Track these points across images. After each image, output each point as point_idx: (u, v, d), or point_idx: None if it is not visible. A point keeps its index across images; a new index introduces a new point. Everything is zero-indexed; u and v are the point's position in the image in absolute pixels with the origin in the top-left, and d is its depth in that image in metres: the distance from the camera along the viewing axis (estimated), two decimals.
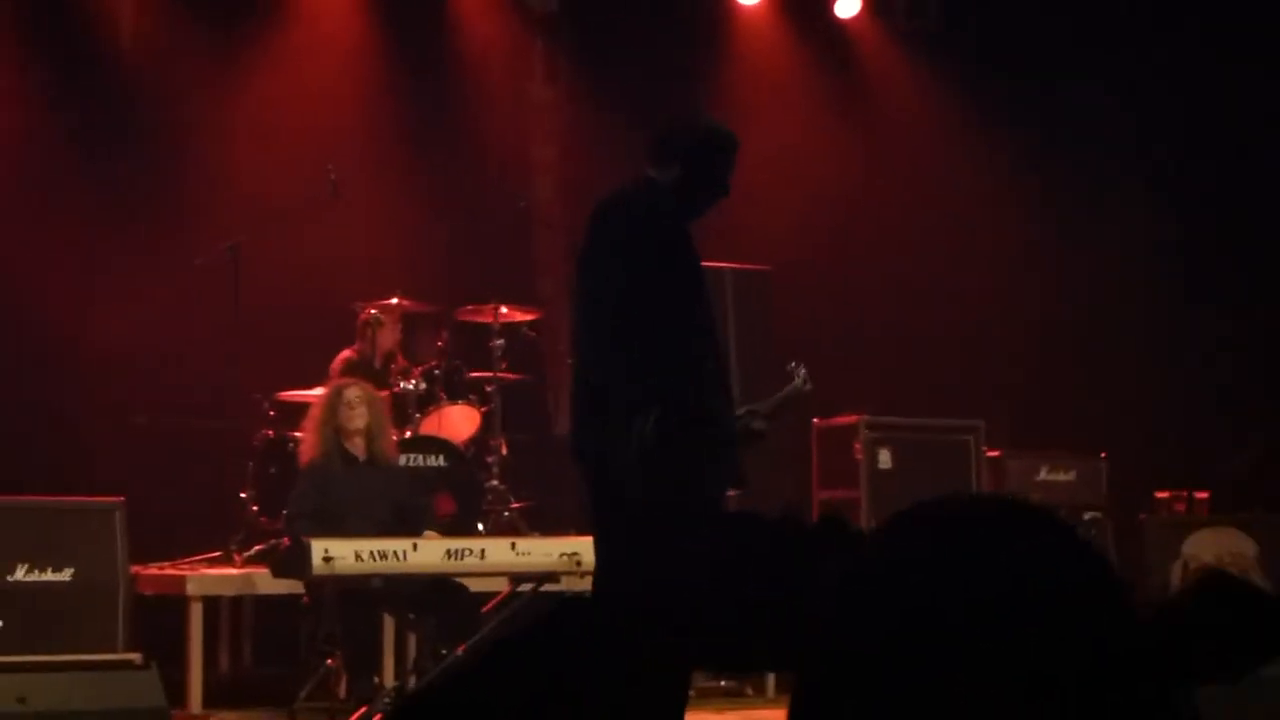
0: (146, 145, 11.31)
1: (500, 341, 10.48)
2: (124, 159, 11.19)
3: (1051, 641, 1.80)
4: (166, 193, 11.25)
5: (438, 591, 8.37)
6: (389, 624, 8.97)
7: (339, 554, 7.84)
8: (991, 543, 1.89)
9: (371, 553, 7.92)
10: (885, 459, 10.77)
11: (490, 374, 10.47)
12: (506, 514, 10.19)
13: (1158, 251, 12.54)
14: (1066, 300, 12.69)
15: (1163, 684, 1.86)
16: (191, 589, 8.91)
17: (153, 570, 9.30)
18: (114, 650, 8.44)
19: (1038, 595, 1.83)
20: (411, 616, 8.67)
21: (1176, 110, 12.57)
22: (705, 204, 6.12)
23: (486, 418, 10.42)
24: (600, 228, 5.93)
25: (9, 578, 8.47)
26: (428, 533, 8.52)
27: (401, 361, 10.54)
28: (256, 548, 9.47)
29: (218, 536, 9.72)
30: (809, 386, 6.56)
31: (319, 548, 7.81)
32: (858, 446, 10.72)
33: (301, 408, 9.46)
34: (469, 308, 10.65)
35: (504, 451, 10.36)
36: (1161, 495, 11.33)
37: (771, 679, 9.73)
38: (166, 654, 8.50)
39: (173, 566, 9.40)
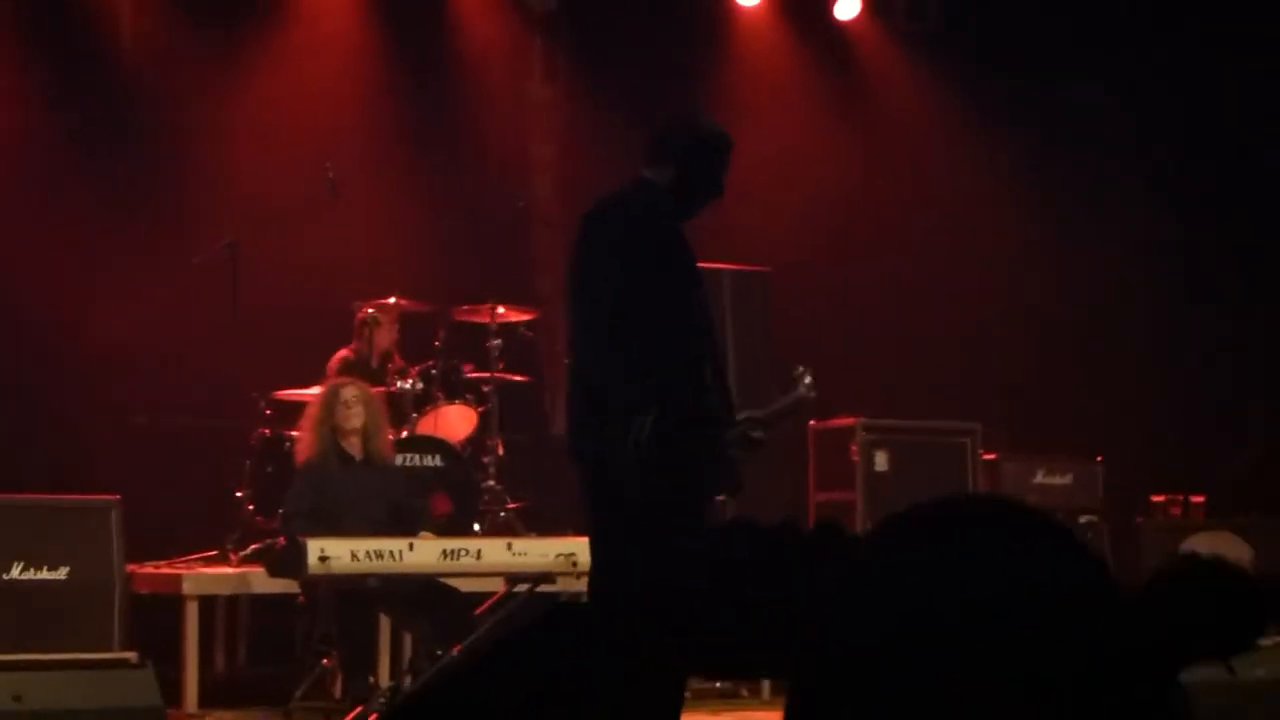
0: (146, 144, 11.31)
1: (497, 341, 10.48)
2: (123, 158, 11.19)
3: (1046, 643, 1.80)
4: (166, 192, 11.25)
5: (429, 593, 8.38)
6: (385, 624, 8.96)
7: (335, 554, 7.85)
8: (986, 544, 1.89)
9: (367, 552, 7.92)
10: (882, 461, 10.75)
11: (487, 374, 10.46)
12: (503, 514, 10.19)
13: (1157, 252, 12.54)
14: (1065, 301, 12.70)
15: (1157, 684, 1.85)
16: (187, 588, 8.90)
17: (149, 569, 9.30)
18: (109, 649, 8.43)
19: (1032, 597, 1.83)
20: (406, 617, 8.67)
21: (1176, 110, 12.58)
22: (701, 204, 6.12)
23: (483, 418, 10.42)
24: (598, 228, 5.93)
25: (4, 575, 8.46)
26: (423, 533, 8.53)
27: (399, 361, 10.54)
28: (252, 547, 9.46)
29: (214, 535, 9.71)
30: (814, 394, 6.51)
31: (315, 547, 7.82)
32: (854, 449, 10.71)
33: (298, 407, 9.46)
34: (466, 307, 10.64)
35: (500, 452, 10.36)
36: (1158, 499, 11.32)
37: (767, 681, 9.72)
38: (162, 653, 8.49)
39: (169, 565, 9.40)
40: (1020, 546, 1.89)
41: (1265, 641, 2.13)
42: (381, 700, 8.17)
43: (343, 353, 10.46)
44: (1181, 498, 11.26)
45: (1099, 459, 11.38)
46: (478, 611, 8.46)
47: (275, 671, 9.33)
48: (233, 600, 10.15)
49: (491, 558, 8.24)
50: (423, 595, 8.36)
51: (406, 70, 12.15)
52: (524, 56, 12.78)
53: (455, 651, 8.06)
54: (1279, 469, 11.74)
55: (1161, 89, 12.50)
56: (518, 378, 10.70)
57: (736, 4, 12.95)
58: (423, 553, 8.10)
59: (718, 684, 9.72)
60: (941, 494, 2.02)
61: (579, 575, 8.02)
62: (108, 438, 10.50)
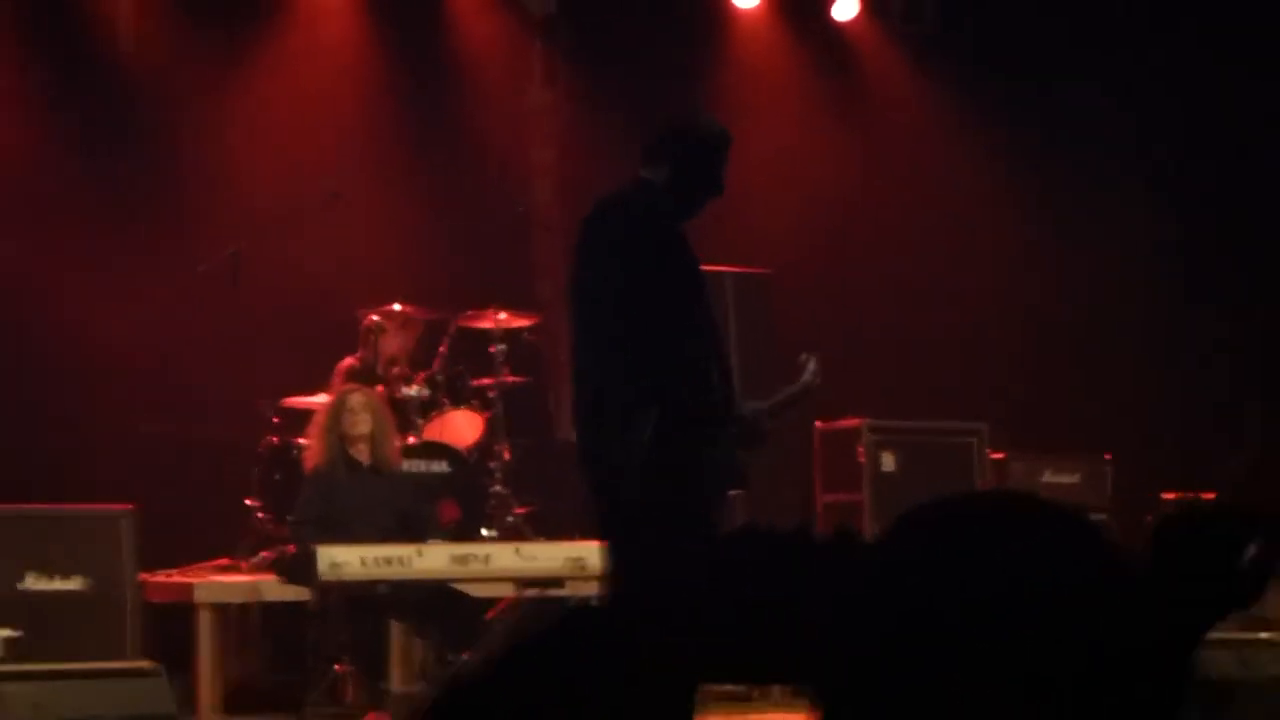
0: (146, 147, 11.31)
1: (502, 347, 10.50)
2: (124, 161, 11.19)
3: (1045, 642, 1.79)
4: (168, 197, 11.25)
5: (439, 599, 8.41)
6: (396, 630, 9.00)
7: (345, 560, 7.88)
8: (987, 541, 1.87)
9: (378, 559, 7.96)
10: (888, 462, 10.76)
11: (492, 379, 10.49)
12: (510, 519, 10.20)
13: (1157, 251, 12.55)
14: (1067, 300, 12.69)
15: (1163, 677, 1.87)
16: (199, 596, 8.90)
17: (161, 578, 9.31)
18: (123, 658, 8.44)
19: (1032, 595, 1.82)
20: (417, 623, 8.71)
21: (1175, 110, 12.58)
22: (701, 203, 6.13)
23: (489, 423, 10.44)
24: (598, 228, 5.94)
25: (18, 586, 8.47)
26: (432, 540, 8.56)
27: (404, 368, 10.56)
28: (263, 554, 9.47)
29: (224, 543, 9.74)
30: (819, 380, 6.52)
31: (326, 554, 7.86)
32: (861, 450, 10.72)
33: (306, 414, 9.50)
34: (469, 313, 10.67)
35: (507, 457, 10.36)
36: (1168, 497, 11.32)
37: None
38: (175, 661, 8.53)
39: (181, 574, 9.41)
40: (1023, 543, 1.87)
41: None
42: (394, 707, 8.21)
43: (349, 360, 10.48)
44: (1191, 496, 11.25)
45: (1107, 457, 11.39)
46: (488, 616, 8.51)
47: (288, 678, 9.33)
48: (244, 608, 10.16)
49: (500, 562, 8.28)
50: (433, 601, 8.39)
51: (406, 74, 12.16)
52: (523, 60, 12.79)
53: (466, 656, 8.11)
54: (1275, 472, 11.73)
55: (1159, 89, 12.51)
56: (523, 381, 10.71)
57: (734, 6, 12.96)
58: (432, 558, 8.14)
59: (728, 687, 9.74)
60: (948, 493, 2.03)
61: (587, 579, 8.06)
62: (117, 447, 10.50)
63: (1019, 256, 12.65)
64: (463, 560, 8.18)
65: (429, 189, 11.90)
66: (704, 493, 5.94)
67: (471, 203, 11.91)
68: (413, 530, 8.61)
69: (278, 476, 9.77)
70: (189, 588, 8.99)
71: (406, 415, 10.07)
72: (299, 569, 8.21)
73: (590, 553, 7.77)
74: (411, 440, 9.91)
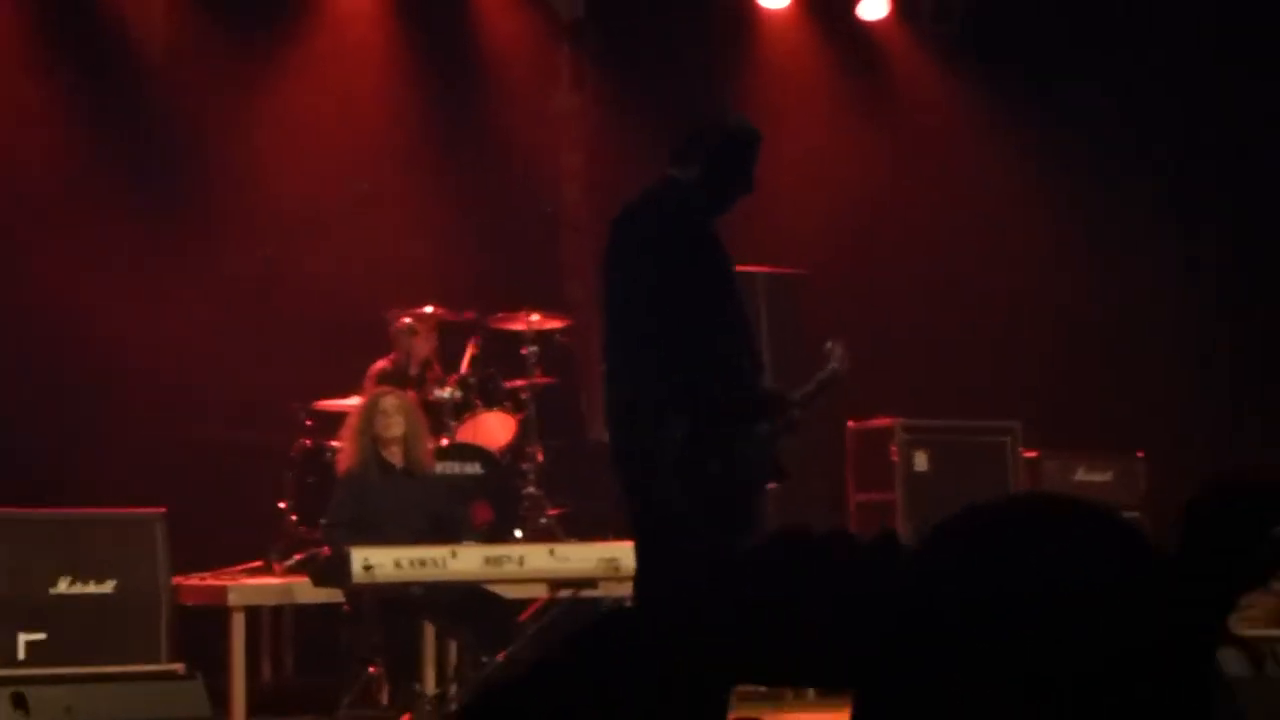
0: (177, 153, 11.35)
1: (534, 348, 10.52)
2: (155, 167, 11.24)
3: (1089, 640, 1.80)
4: (198, 200, 11.28)
5: (472, 601, 8.42)
6: (429, 631, 9.01)
7: (379, 562, 7.88)
8: (1027, 545, 1.88)
9: (411, 561, 7.96)
10: (921, 461, 10.74)
11: (524, 381, 10.51)
12: (544, 520, 10.22)
13: (1190, 250, 12.50)
14: (1098, 300, 12.65)
15: (1180, 678, 1.86)
16: (233, 599, 8.89)
17: (194, 581, 9.31)
18: (157, 661, 8.45)
19: (1074, 595, 1.83)
20: (450, 625, 8.72)
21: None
22: (733, 199, 6.12)
23: (522, 424, 10.45)
24: (628, 229, 5.93)
25: (51, 590, 8.48)
26: (465, 541, 8.57)
27: (437, 370, 10.59)
28: (296, 557, 9.49)
29: (257, 546, 9.77)
30: (847, 366, 6.49)
31: (359, 556, 7.86)
32: (893, 449, 10.71)
33: (339, 417, 9.51)
34: (500, 315, 10.69)
35: (540, 458, 10.38)
36: None
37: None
38: (209, 664, 8.55)
39: (213, 577, 9.42)
40: (1060, 544, 1.88)
41: None
42: (428, 708, 8.23)
43: (381, 363, 10.51)
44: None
45: (1140, 455, 11.36)
46: (521, 618, 8.52)
47: (322, 681, 9.34)
48: (277, 611, 10.20)
49: (534, 564, 8.27)
50: (466, 602, 8.40)
51: (434, 77, 12.18)
52: (551, 64, 12.81)
53: (499, 658, 8.12)
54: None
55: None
56: (555, 382, 10.72)
57: (762, 7, 12.95)
58: (466, 560, 8.13)
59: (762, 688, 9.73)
60: (982, 493, 2.03)
61: (621, 580, 8.06)
62: (149, 450, 10.52)
63: (1050, 256, 12.61)
64: (496, 562, 8.18)
65: (457, 191, 11.92)
66: (738, 488, 5.92)
67: (500, 204, 11.93)
68: (446, 532, 8.61)
69: (310, 479, 9.79)
70: (222, 590, 9.00)
71: (439, 417, 10.09)
72: (332, 571, 8.22)
73: (624, 553, 7.77)
74: (444, 442, 9.93)
